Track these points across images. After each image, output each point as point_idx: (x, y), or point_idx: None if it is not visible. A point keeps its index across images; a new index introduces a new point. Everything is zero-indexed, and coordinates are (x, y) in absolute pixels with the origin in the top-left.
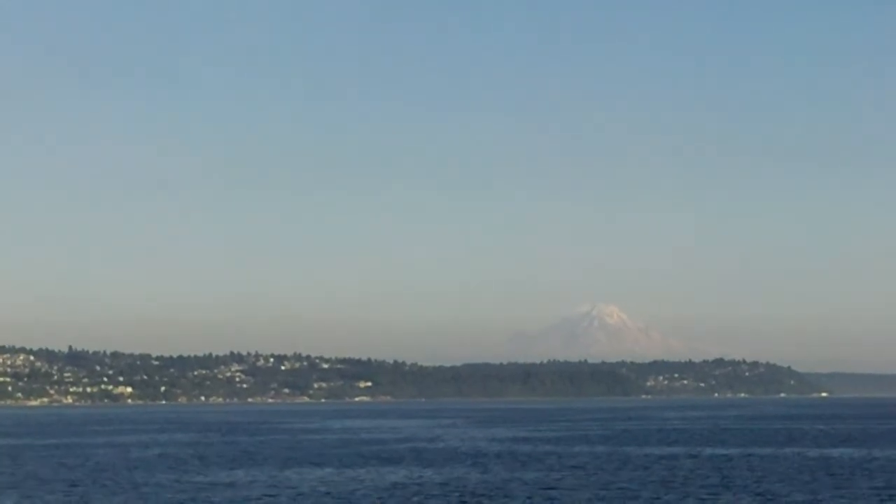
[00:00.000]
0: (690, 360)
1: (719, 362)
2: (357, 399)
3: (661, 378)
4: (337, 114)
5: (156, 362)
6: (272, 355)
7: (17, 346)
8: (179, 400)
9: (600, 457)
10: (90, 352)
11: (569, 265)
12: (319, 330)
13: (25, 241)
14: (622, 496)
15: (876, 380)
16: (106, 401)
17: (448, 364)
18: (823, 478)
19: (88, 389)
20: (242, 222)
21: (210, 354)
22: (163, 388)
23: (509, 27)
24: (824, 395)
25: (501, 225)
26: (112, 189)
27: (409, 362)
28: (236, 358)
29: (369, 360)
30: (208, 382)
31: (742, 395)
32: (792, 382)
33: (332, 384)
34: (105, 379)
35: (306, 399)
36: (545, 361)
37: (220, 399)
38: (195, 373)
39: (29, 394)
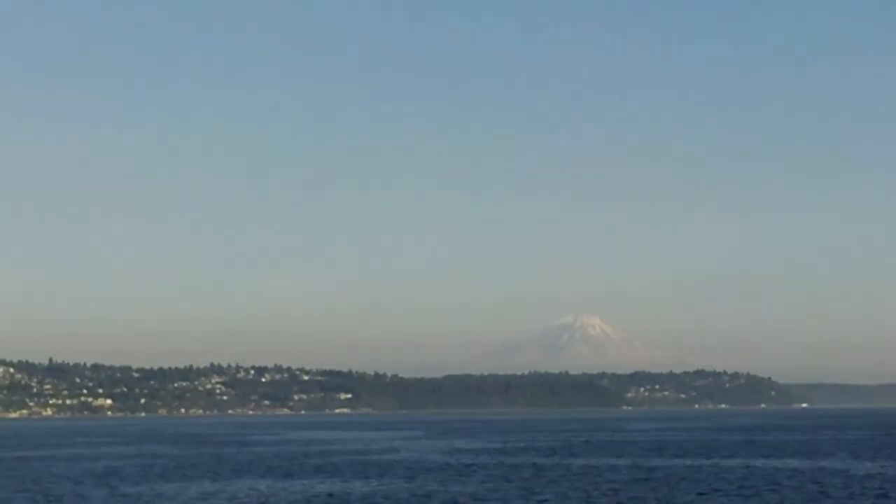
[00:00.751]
0: (671, 372)
1: (700, 373)
2: (337, 411)
3: (641, 389)
4: (324, 121)
5: (136, 374)
6: (253, 367)
7: None
8: (159, 412)
9: (529, 468)
10: (70, 364)
11: (551, 277)
12: (300, 342)
13: (4, 253)
14: None
15: (856, 390)
16: (86, 413)
17: (429, 376)
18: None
19: (68, 402)
20: (223, 235)
21: (191, 366)
22: (143, 401)
23: (509, 27)
24: (804, 405)
25: (484, 237)
26: (92, 202)
27: (389, 374)
28: (216, 370)
29: (350, 371)
30: (188, 394)
31: (722, 405)
32: (773, 393)
33: (312, 396)
34: (85, 391)
35: (286, 411)
36: (526, 373)
37: (201, 411)
38: (175, 385)
39: (8, 406)
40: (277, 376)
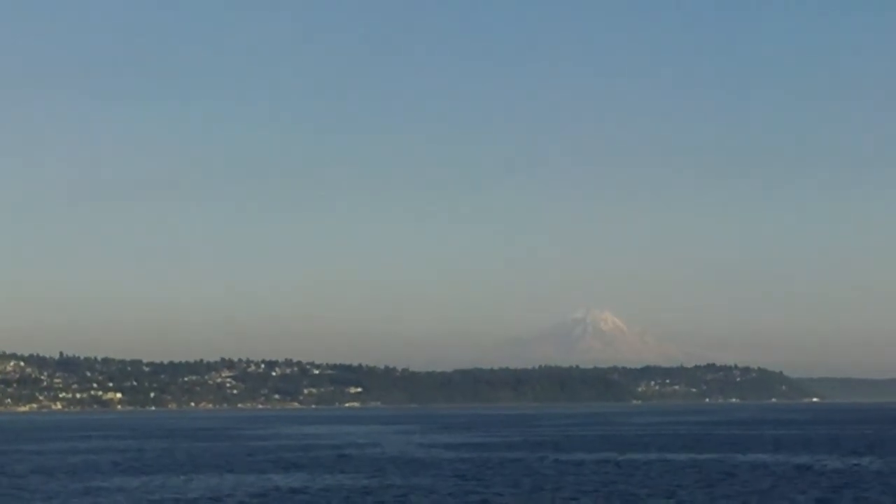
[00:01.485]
0: (682, 366)
1: (711, 367)
2: (347, 405)
3: (652, 383)
4: (334, 117)
5: (146, 368)
6: (263, 361)
7: (8, 352)
8: (169, 406)
9: (501, 462)
10: (81, 358)
11: (563, 271)
12: (311, 336)
13: (16, 248)
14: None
15: (867, 385)
16: (95, 407)
17: (440, 370)
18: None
19: (78, 395)
20: (234, 228)
21: (201, 360)
22: (152, 395)
23: (508, 28)
24: (815, 400)
25: (496, 231)
26: (104, 196)
27: (400, 368)
28: (227, 364)
29: (360, 366)
30: (198, 388)
31: (733, 400)
32: (783, 388)
33: (322, 390)
34: (95, 385)
35: (296, 405)
36: (537, 367)
37: (210, 405)
38: (185, 379)
39: (18, 400)
40: (288, 370)
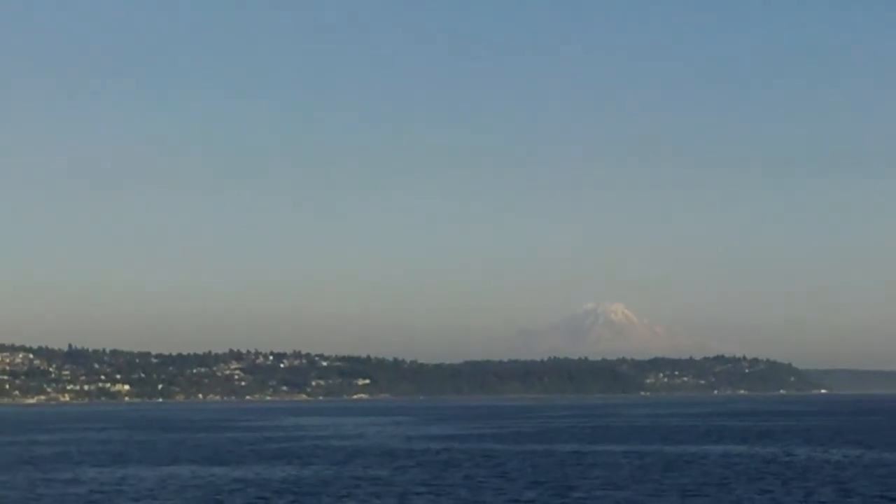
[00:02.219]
0: (691, 358)
1: (720, 359)
2: (355, 397)
3: (660, 375)
4: (342, 109)
5: (155, 360)
6: (272, 353)
7: (17, 344)
8: (177, 398)
9: (465, 454)
10: (90, 350)
11: (574, 263)
12: (320, 328)
13: (25, 240)
14: (426, 493)
15: (876, 376)
16: (103, 399)
17: (448, 362)
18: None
19: (86, 387)
20: (242, 219)
21: (209, 352)
22: (160, 386)
23: (515, 20)
24: (823, 391)
25: (507, 223)
26: (112, 186)
27: (409, 360)
28: (235, 356)
29: (369, 357)
30: (206, 380)
31: (742, 392)
32: (792, 379)
33: (330, 382)
34: (103, 377)
35: (304, 397)
36: (546, 359)
37: (218, 397)
38: (194, 371)
39: (26, 392)
40: (296, 362)
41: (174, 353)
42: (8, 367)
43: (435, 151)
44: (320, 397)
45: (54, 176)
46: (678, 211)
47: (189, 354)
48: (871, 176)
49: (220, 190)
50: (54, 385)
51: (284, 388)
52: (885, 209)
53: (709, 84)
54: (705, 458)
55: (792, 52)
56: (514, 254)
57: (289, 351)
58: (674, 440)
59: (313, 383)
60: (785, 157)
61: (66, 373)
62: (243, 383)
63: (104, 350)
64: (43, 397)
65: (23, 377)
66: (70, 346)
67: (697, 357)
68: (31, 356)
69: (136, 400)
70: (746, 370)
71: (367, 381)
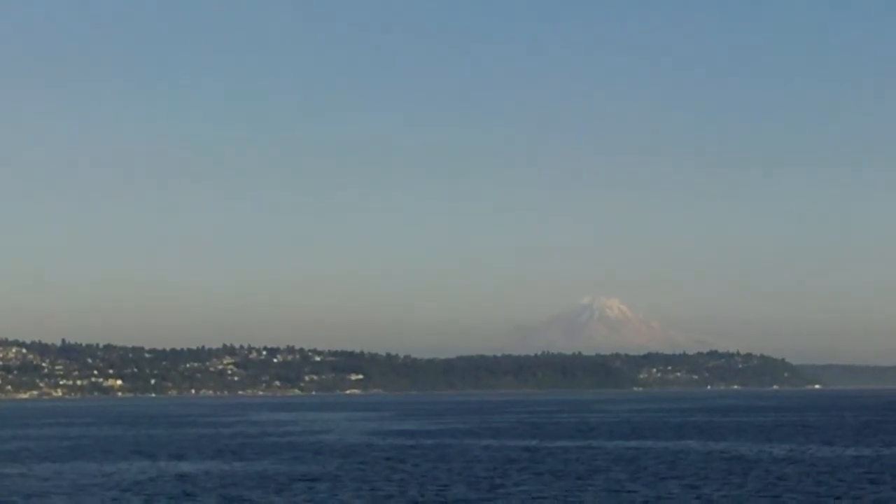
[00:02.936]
0: (684, 353)
1: (713, 354)
2: (348, 392)
3: (654, 370)
4: (336, 105)
5: (148, 355)
6: (265, 348)
7: (10, 338)
8: (170, 393)
9: (429, 448)
10: (83, 344)
11: (570, 258)
12: (313, 323)
13: (19, 235)
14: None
15: (870, 372)
16: (96, 393)
17: (442, 357)
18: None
19: (78, 382)
20: (237, 215)
21: (203, 347)
22: (153, 381)
23: (514, 15)
24: (817, 387)
25: (501, 218)
26: (105, 183)
27: (402, 355)
28: (228, 350)
29: (362, 352)
30: (199, 375)
31: (735, 387)
32: (786, 374)
33: (323, 377)
34: (95, 372)
35: (297, 392)
36: (539, 354)
37: (211, 392)
38: (187, 365)
39: (19, 387)
40: (289, 357)
41: (167, 348)
42: (1, 362)
43: (429, 148)
44: (313, 392)
45: (49, 172)
46: (674, 207)
47: (182, 349)
48: (866, 173)
49: (213, 186)
50: (47, 380)
51: (277, 383)
52: (880, 206)
53: (707, 82)
54: (648, 452)
55: (792, 50)
56: (510, 249)
57: (282, 346)
58: (627, 435)
59: (306, 378)
60: (780, 154)
61: (60, 368)
62: (236, 378)
63: (97, 345)
64: (36, 392)
65: (15, 372)
66: (63, 340)
67: (691, 352)
68: (24, 351)
69: (129, 395)
70: (740, 365)
71: (360, 377)
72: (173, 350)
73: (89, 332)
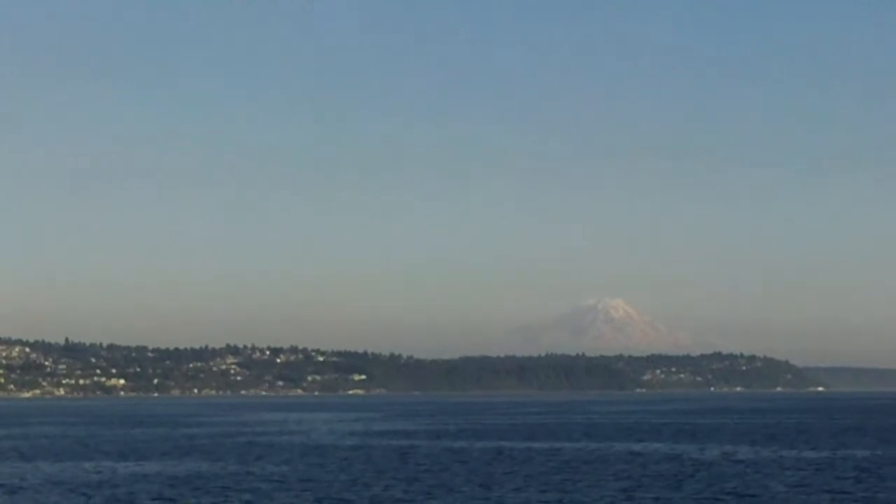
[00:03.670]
0: (688, 354)
1: (717, 356)
2: (351, 392)
3: (657, 372)
4: (340, 106)
5: (151, 354)
6: (268, 348)
7: (14, 337)
8: (172, 392)
9: (394, 450)
10: (87, 344)
11: (575, 259)
12: (317, 323)
13: (24, 234)
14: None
15: (874, 374)
16: (98, 393)
17: (446, 357)
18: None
19: (81, 381)
20: (240, 215)
21: (206, 347)
22: (156, 381)
23: (518, 15)
24: (820, 389)
25: (506, 219)
26: (110, 183)
27: (405, 356)
28: (232, 350)
29: (365, 353)
30: (202, 375)
31: (738, 389)
32: (789, 377)
33: (326, 377)
34: (98, 371)
35: (300, 392)
36: (542, 355)
37: (213, 392)
38: (190, 365)
39: (21, 386)
40: (293, 357)
41: (171, 348)
42: (4, 361)
43: (434, 148)
44: (316, 392)
45: (52, 172)
46: (680, 208)
47: (186, 349)
48: (872, 175)
49: (216, 186)
50: (50, 379)
51: (280, 383)
52: (885, 208)
53: (710, 82)
54: (612, 453)
55: (791, 50)
56: (515, 250)
57: (285, 346)
58: (598, 437)
59: (309, 378)
60: (785, 155)
61: (63, 367)
62: (239, 378)
63: (101, 344)
64: (38, 391)
65: (18, 371)
66: (67, 339)
67: (695, 354)
68: (27, 350)
69: (132, 395)
70: (743, 367)
71: (363, 377)
72: (176, 350)
73: (93, 332)
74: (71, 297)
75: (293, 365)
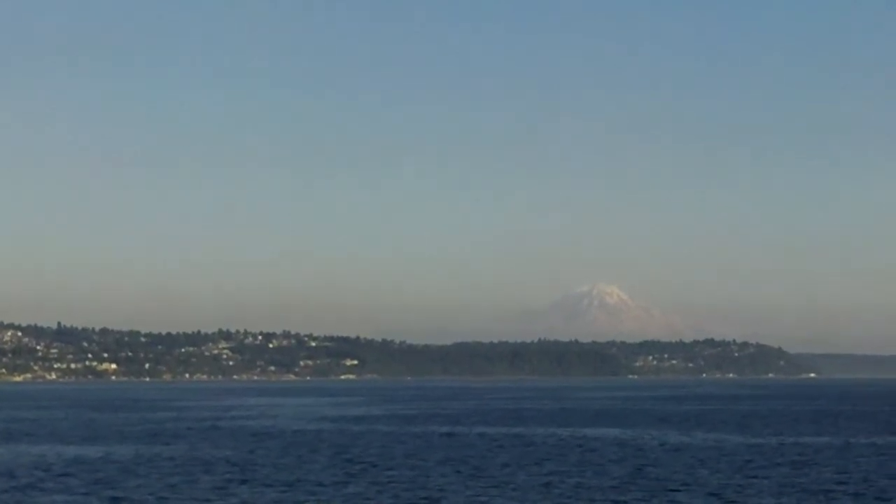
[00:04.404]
0: (681, 341)
1: (709, 342)
2: (343, 377)
3: (649, 358)
4: (336, 89)
5: (144, 339)
6: (260, 333)
7: (6, 322)
8: (164, 377)
9: (362, 434)
10: (79, 328)
11: (569, 245)
12: (310, 308)
13: (17, 219)
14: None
15: (866, 361)
16: (90, 377)
17: (439, 343)
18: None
19: (73, 366)
20: (232, 201)
21: (198, 332)
22: (147, 366)
23: (513, 19)
24: (812, 375)
25: (502, 205)
26: (102, 168)
27: (398, 341)
28: (224, 335)
29: (357, 338)
30: (194, 359)
31: (730, 375)
32: (781, 363)
33: (318, 362)
34: (90, 355)
35: (292, 377)
36: (535, 341)
37: (205, 376)
38: (182, 350)
39: (13, 370)
40: (285, 342)
41: (163, 333)
42: None
43: (428, 132)
44: (308, 377)
45: (45, 158)
46: (675, 195)
47: (178, 334)
48: (865, 162)
49: (209, 171)
50: (41, 363)
51: (272, 368)
52: (878, 195)
53: (708, 69)
54: (560, 438)
55: (788, 41)
56: (510, 236)
57: (277, 331)
58: (566, 423)
59: (301, 363)
60: (779, 142)
61: (55, 351)
62: (231, 363)
63: (93, 329)
64: (30, 375)
65: (10, 355)
66: (59, 324)
67: (687, 340)
68: (20, 334)
69: (124, 379)
70: (736, 354)
71: (356, 362)
72: (169, 334)
73: (85, 316)
74: (63, 281)
75: (285, 350)
